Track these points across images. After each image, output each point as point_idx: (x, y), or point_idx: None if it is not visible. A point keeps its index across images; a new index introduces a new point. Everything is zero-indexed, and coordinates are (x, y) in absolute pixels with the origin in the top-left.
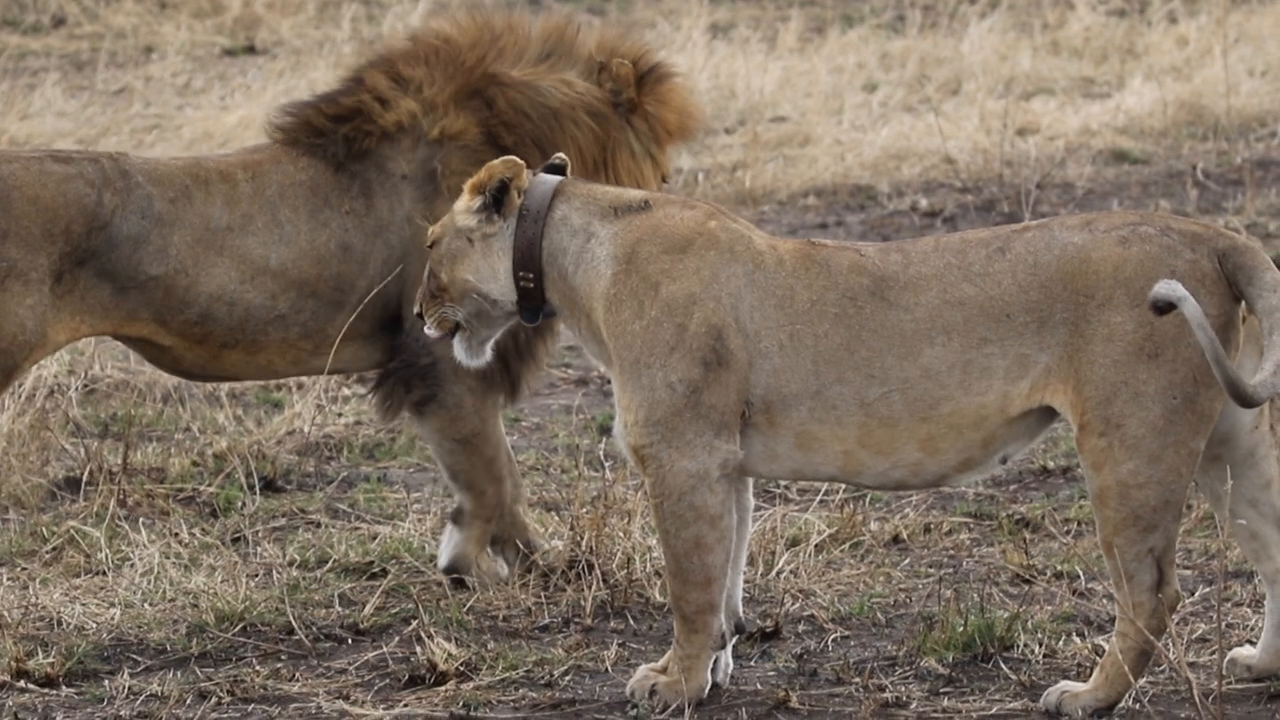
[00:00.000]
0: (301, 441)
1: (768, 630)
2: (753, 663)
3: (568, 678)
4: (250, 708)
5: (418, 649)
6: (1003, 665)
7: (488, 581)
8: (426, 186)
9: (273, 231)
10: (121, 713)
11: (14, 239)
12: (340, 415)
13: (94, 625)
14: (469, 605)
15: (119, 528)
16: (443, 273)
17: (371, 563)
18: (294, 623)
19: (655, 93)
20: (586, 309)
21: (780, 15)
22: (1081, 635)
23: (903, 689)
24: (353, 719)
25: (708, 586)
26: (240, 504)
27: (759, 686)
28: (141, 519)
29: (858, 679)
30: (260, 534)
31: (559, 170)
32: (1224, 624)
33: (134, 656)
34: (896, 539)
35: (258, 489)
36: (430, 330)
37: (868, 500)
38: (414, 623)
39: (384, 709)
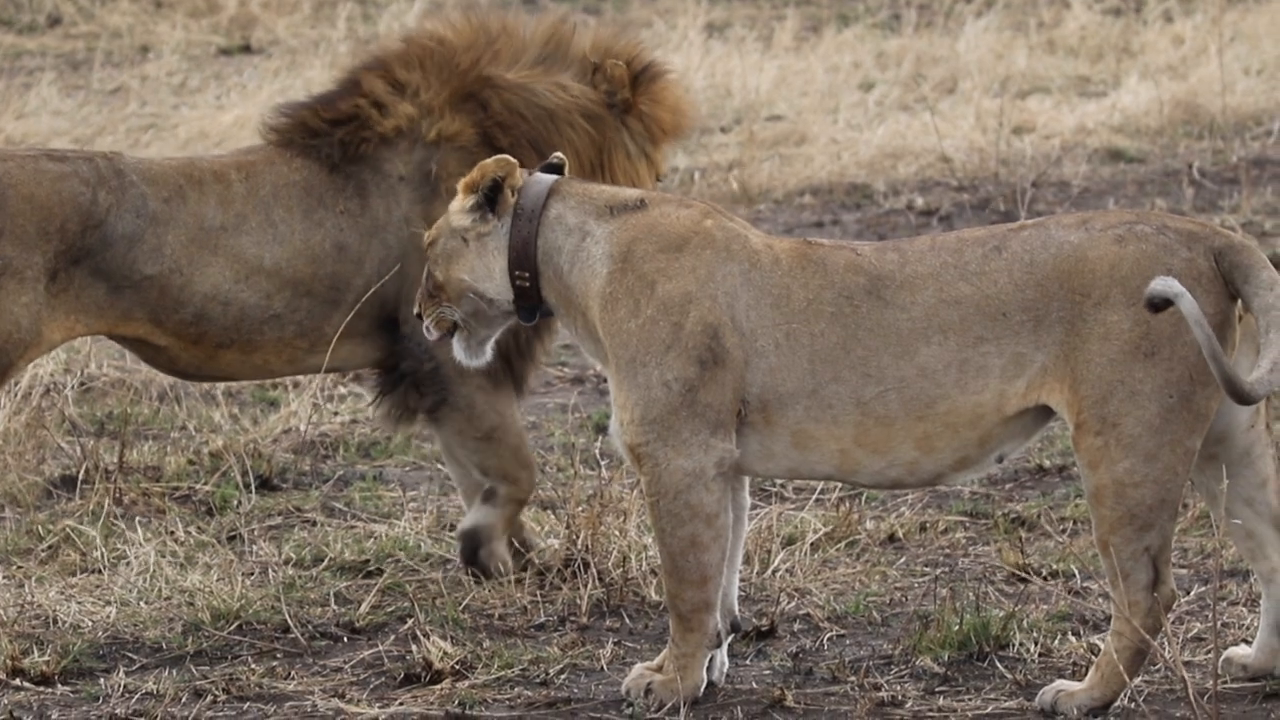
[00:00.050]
0: (297, 440)
1: (763, 629)
2: (748, 661)
3: (563, 676)
4: (246, 706)
5: (413, 647)
6: (998, 664)
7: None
8: (424, 188)
9: (266, 231)
10: (117, 711)
11: (9, 237)
12: (336, 414)
13: (89, 623)
14: (465, 604)
15: (115, 526)
16: (439, 272)
17: (367, 561)
18: (290, 621)
19: (649, 92)
20: (582, 307)
21: (776, 14)
22: (1077, 634)
23: (898, 688)
24: (348, 717)
25: (703, 585)
26: (236, 502)
27: (754, 685)
28: (137, 517)
29: (853, 678)
30: (256, 532)
31: (556, 170)
32: (1219, 623)
33: (129, 654)
34: (892, 538)
35: (253, 487)
36: (429, 330)
37: (863, 499)
38: (410, 621)
39: (379, 707)
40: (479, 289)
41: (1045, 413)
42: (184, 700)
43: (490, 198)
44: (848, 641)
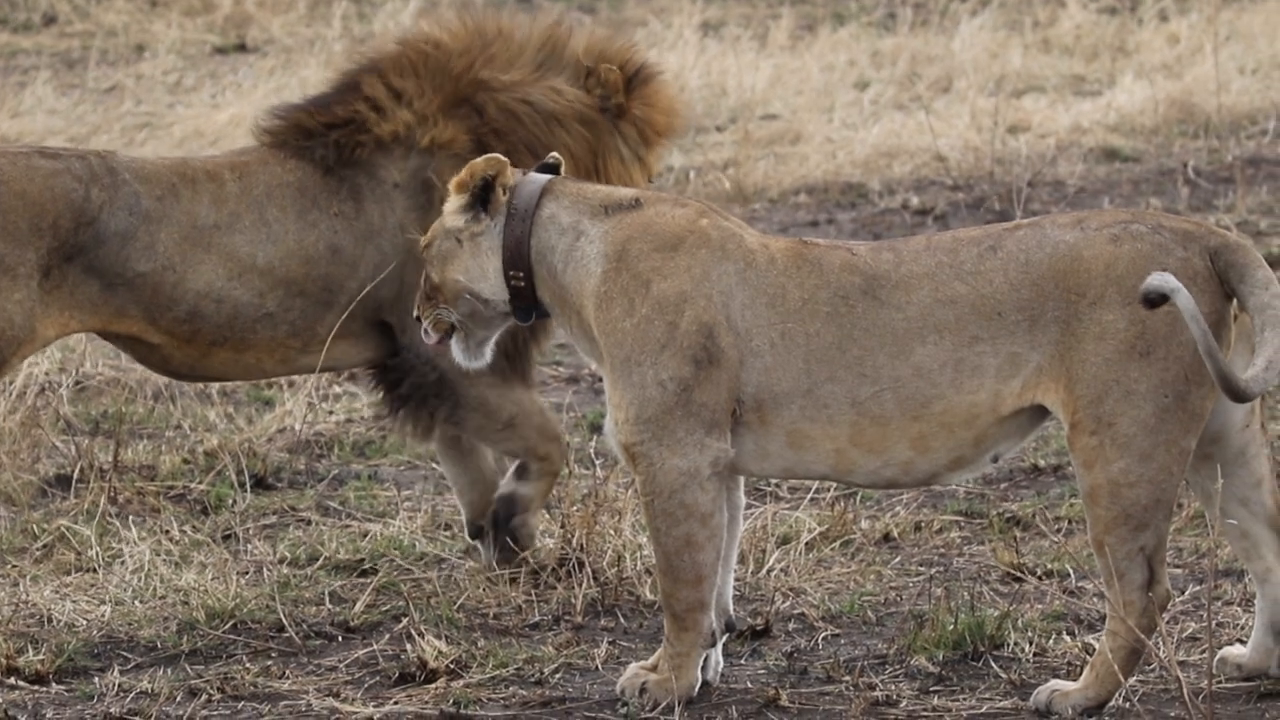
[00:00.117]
0: (292, 439)
1: (758, 628)
2: (743, 661)
3: (558, 675)
4: (240, 705)
5: (408, 646)
6: (993, 664)
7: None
8: (419, 196)
9: (260, 230)
10: (112, 710)
11: (1, 233)
12: (331, 413)
13: (84, 622)
14: (459, 603)
15: (110, 525)
16: (435, 274)
17: (362, 560)
18: (284, 620)
19: (642, 95)
20: (577, 307)
21: (771, 13)
22: (1072, 634)
23: (893, 687)
24: (343, 716)
25: (698, 584)
26: (231, 501)
27: (749, 685)
28: (132, 516)
29: (848, 677)
30: (251, 531)
31: (553, 170)
32: (1214, 623)
33: (124, 654)
34: (887, 537)
35: (248, 486)
36: (427, 333)
37: (858, 498)
38: (404, 620)
39: (374, 707)
40: (474, 289)
41: (1040, 412)
42: (179, 699)
43: (482, 197)
44: (842, 641)
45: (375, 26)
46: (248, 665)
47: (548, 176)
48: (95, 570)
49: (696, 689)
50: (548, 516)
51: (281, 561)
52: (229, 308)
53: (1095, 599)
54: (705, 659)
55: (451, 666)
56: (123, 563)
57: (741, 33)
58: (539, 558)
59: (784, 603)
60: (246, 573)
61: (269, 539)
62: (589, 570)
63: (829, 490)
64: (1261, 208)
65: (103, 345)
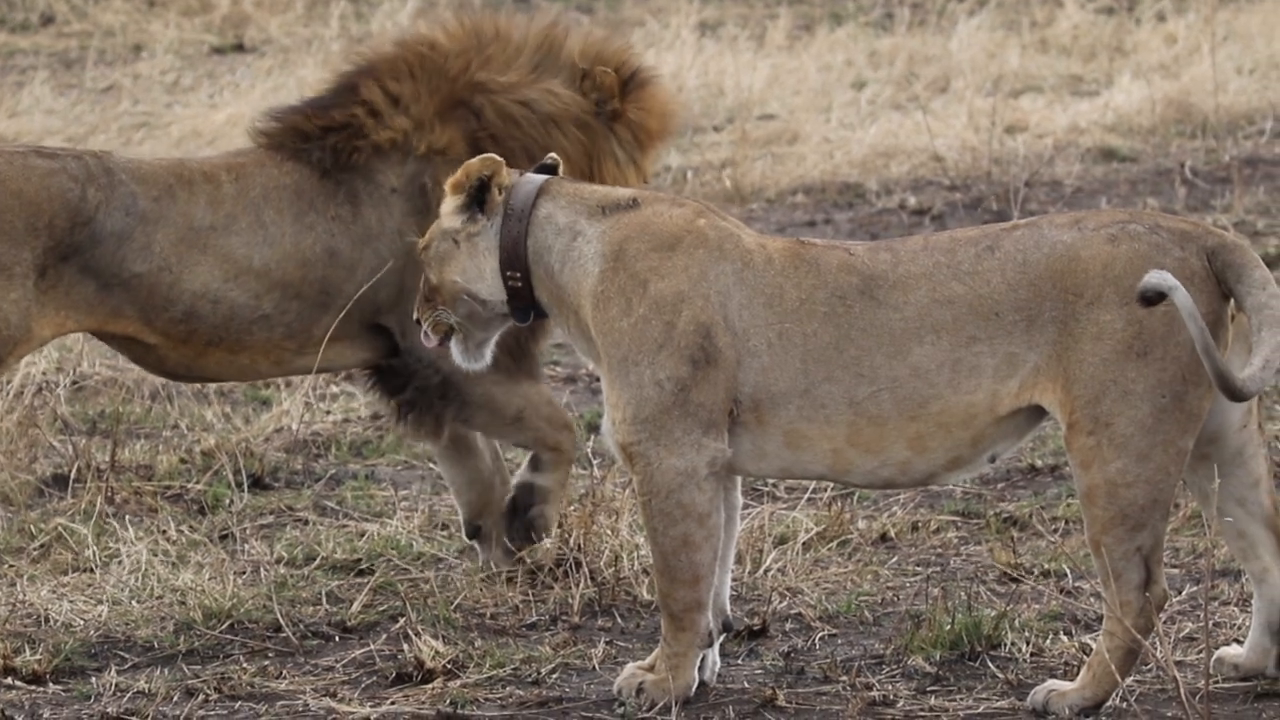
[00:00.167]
0: (289, 439)
1: (755, 628)
2: (740, 661)
3: (555, 675)
4: (237, 705)
5: (405, 646)
6: (990, 664)
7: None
8: (418, 200)
9: (256, 232)
10: (108, 710)
11: None
12: (328, 413)
13: (81, 622)
14: (456, 603)
15: (107, 525)
16: (433, 275)
17: (359, 560)
18: (281, 620)
19: (638, 99)
20: (574, 306)
21: (769, 13)
22: (1069, 634)
23: (890, 687)
24: (340, 716)
25: (695, 584)
26: (228, 501)
27: (746, 685)
28: (129, 516)
29: (845, 677)
30: (248, 531)
31: (550, 171)
32: (1211, 623)
33: (121, 653)
34: (884, 537)
35: (245, 486)
36: (427, 335)
37: (855, 498)
38: (401, 620)
39: (371, 707)
40: (472, 290)
41: (1038, 412)
42: (175, 699)
43: (478, 197)
44: (839, 641)
45: (373, 26)
46: (245, 665)
47: (544, 177)
48: (92, 570)
49: (694, 689)
50: None
51: (279, 561)
52: (225, 309)
53: (1092, 599)
54: (702, 659)
55: (448, 666)
56: (120, 562)
57: (739, 33)
58: (536, 557)
59: (781, 603)
60: (243, 573)
61: (266, 539)
62: (586, 570)
63: (826, 490)
64: (1258, 208)
65: (100, 345)
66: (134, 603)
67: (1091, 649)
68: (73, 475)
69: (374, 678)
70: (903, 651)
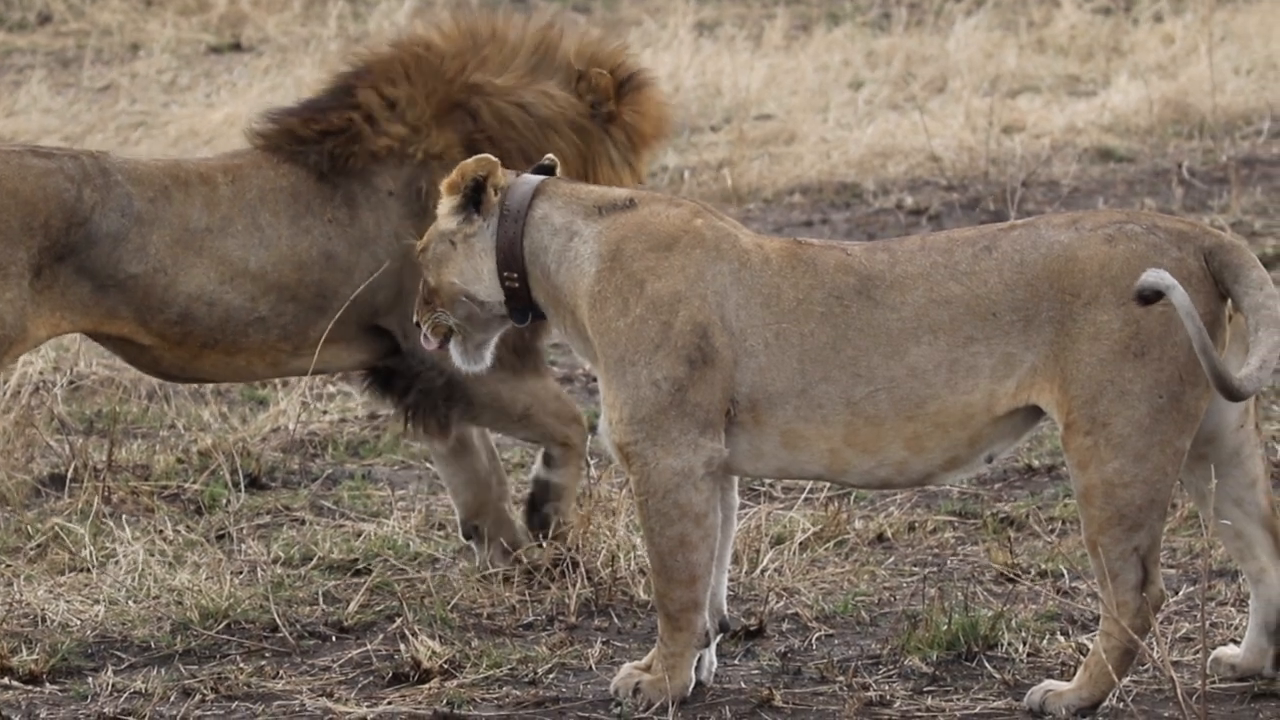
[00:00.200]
0: (286, 439)
1: (752, 628)
2: (737, 661)
3: (552, 676)
4: (234, 705)
5: (402, 647)
6: (987, 664)
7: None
8: (415, 204)
9: (252, 235)
10: (105, 710)
11: None
12: (325, 413)
13: (78, 622)
14: (453, 603)
15: (104, 525)
16: (431, 277)
17: (356, 560)
18: (278, 620)
19: (633, 101)
20: (571, 307)
21: (766, 13)
22: (1066, 634)
23: (886, 688)
24: (336, 717)
25: (692, 585)
26: (225, 501)
27: (743, 685)
28: (126, 516)
29: (842, 677)
30: (245, 531)
31: (548, 172)
32: (1208, 623)
33: (118, 653)
34: (881, 537)
35: (242, 486)
36: (427, 338)
37: (852, 498)
38: (398, 620)
39: (368, 707)
40: (470, 291)
41: (1035, 413)
42: (172, 699)
43: (474, 198)
44: (836, 641)
45: (370, 26)
46: (241, 665)
47: (541, 178)
48: (89, 570)
49: (690, 689)
50: None
51: (275, 561)
52: (220, 311)
53: (1089, 599)
54: (699, 659)
55: (445, 666)
56: (117, 562)
57: (736, 33)
58: (533, 558)
59: (778, 603)
60: (240, 573)
61: (263, 539)
62: (583, 570)
63: (823, 490)
64: (1256, 208)
65: (97, 345)
66: (131, 603)
67: (1088, 649)
68: (69, 475)
69: (371, 678)
70: (899, 652)
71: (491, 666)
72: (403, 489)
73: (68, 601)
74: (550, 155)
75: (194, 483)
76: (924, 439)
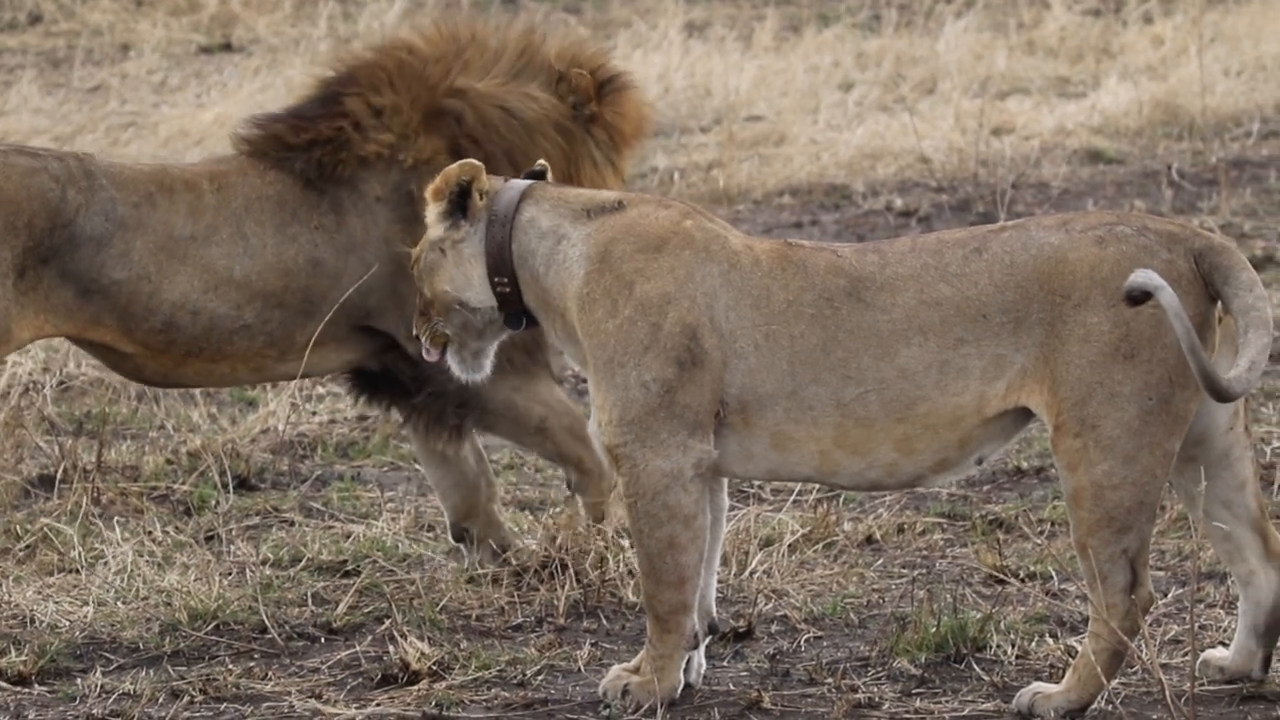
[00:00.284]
0: (276, 440)
1: (741, 630)
2: (725, 663)
3: (540, 677)
4: (223, 707)
5: (391, 648)
6: (975, 666)
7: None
8: (403, 209)
9: (237, 244)
10: (94, 711)
11: None
12: (314, 414)
13: (67, 623)
14: (442, 605)
15: (93, 526)
16: (425, 287)
17: (345, 562)
18: (267, 621)
19: (613, 102)
20: (560, 310)
21: (756, 14)
22: (1054, 636)
23: (875, 689)
24: (325, 718)
25: (681, 586)
26: (214, 502)
27: (732, 687)
28: (115, 517)
29: (830, 679)
30: (234, 532)
31: (539, 177)
32: (1197, 626)
33: (107, 655)
34: (870, 539)
35: (231, 487)
36: (427, 350)
37: (841, 500)
38: (387, 622)
39: (357, 708)
40: (462, 298)
41: (1025, 414)
42: (161, 700)
43: (460, 203)
44: (825, 643)
45: (360, 26)
46: (230, 667)
47: (528, 182)
48: (78, 571)
49: (679, 691)
50: (530, 518)
51: (264, 563)
52: (205, 319)
53: (1078, 601)
54: (688, 661)
55: (434, 668)
56: (105, 563)
57: (726, 34)
58: (522, 559)
59: (767, 605)
60: (229, 574)
61: (252, 540)
62: (572, 572)
63: (812, 492)
64: (1245, 210)
65: None
66: (119, 604)
67: (1077, 651)
68: (59, 476)
69: (359, 679)
70: (888, 654)
71: (480, 668)
72: (392, 490)
73: (56, 602)
74: (542, 161)
75: (183, 484)
76: (914, 441)
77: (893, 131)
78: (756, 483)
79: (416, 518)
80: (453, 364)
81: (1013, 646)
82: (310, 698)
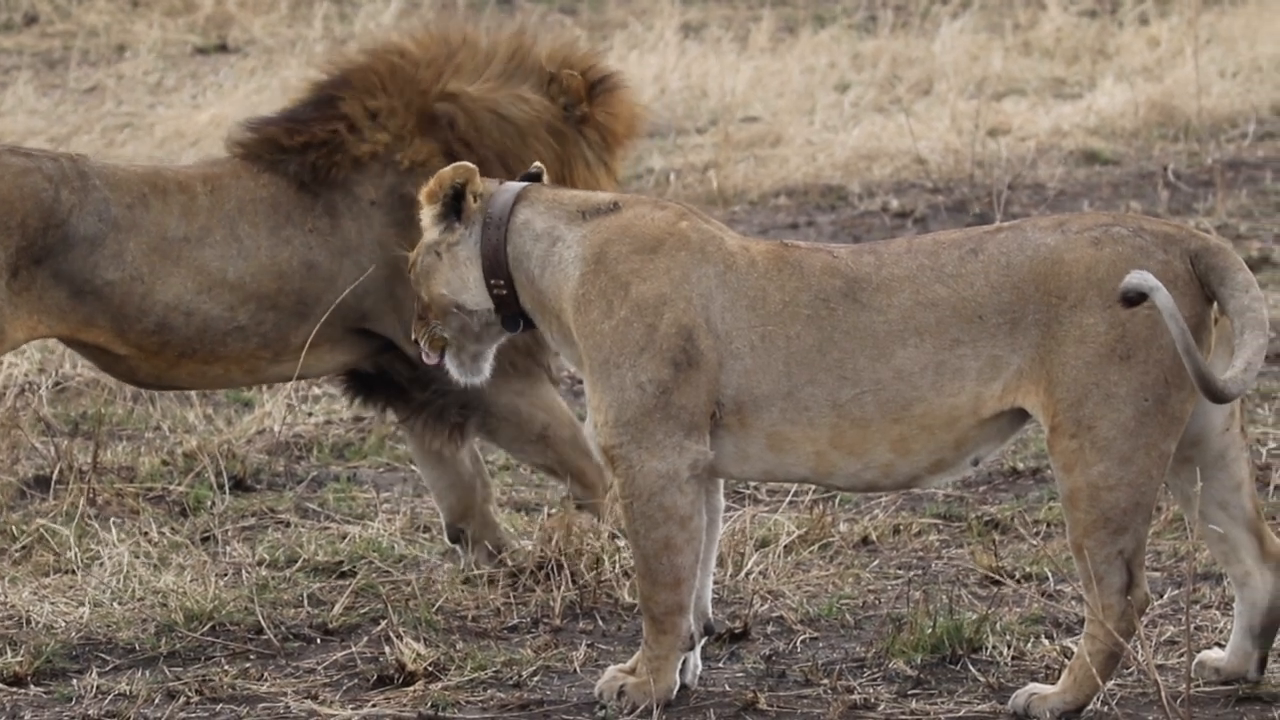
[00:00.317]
0: (271, 441)
1: (736, 631)
2: (721, 664)
3: (536, 678)
4: (219, 707)
5: (386, 649)
6: (971, 667)
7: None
8: (398, 212)
9: (231, 245)
10: (90, 712)
11: None
12: (310, 415)
13: (63, 624)
14: (438, 605)
15: (88, 526)
16: (423, 291)
17: (341, 562)
18: (263, 622)
19: (605, 103)
20: (556, 311)
21: (752, 15)
22: (1050, 637)
23: (871, 690)
24: (321, 719)
25: (677, 587)
26: (210, 503)
27: (727, 688)
28: (111, 518)
29: (826, 680)
30: (230, 533)
31: (535, 179)
32: (1193, 626)
33: (103, 655)
34: (866, 540)
35: (227, 488)
36: (427, 355)
37: (837, 501)
38: (383, 623)
39: (352, 709)
40: (459, 302)
41: (1021, 415)
42: (157, 701)
43: (454, 206)
44: (820, 644)
45: (356, 27)
46: (226, 667)
47: (523, 184)
48: (74, 572)
49: (675, 692)
50: (526, 519)
51: (260, 563)
52: (199, 321)
53: (1074, 602)
54: (683, 662)
55: (430, 669)
56: (101, 564)
57: (722, 35)
58: (518, 560)
59: (762, 606)
60: (225, 575)
61: (248, 541)
62: (567, 573)
63: (808, 493)
64: (1241, 211)
65: None
66: (115, 604)
67: (1073, 652)
68: (54, 477)
69: (355, 680)
70: (884, 655)
71: (476, 669)
72: (388, 491)
73: (52, 603)
74: (537, 163)
75: (179, 485)
76: (910, 441)
77: (889, 132)
78: (752, 484)
79: (412, 519)
80: (451, 367)
81: (1008, 647)
82: (306, 698)
